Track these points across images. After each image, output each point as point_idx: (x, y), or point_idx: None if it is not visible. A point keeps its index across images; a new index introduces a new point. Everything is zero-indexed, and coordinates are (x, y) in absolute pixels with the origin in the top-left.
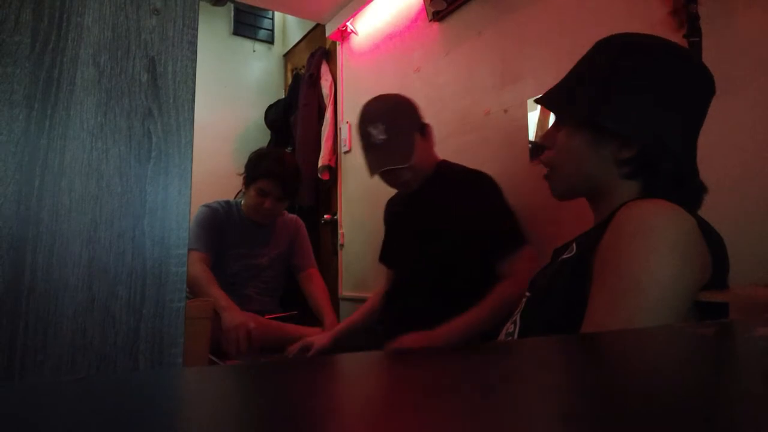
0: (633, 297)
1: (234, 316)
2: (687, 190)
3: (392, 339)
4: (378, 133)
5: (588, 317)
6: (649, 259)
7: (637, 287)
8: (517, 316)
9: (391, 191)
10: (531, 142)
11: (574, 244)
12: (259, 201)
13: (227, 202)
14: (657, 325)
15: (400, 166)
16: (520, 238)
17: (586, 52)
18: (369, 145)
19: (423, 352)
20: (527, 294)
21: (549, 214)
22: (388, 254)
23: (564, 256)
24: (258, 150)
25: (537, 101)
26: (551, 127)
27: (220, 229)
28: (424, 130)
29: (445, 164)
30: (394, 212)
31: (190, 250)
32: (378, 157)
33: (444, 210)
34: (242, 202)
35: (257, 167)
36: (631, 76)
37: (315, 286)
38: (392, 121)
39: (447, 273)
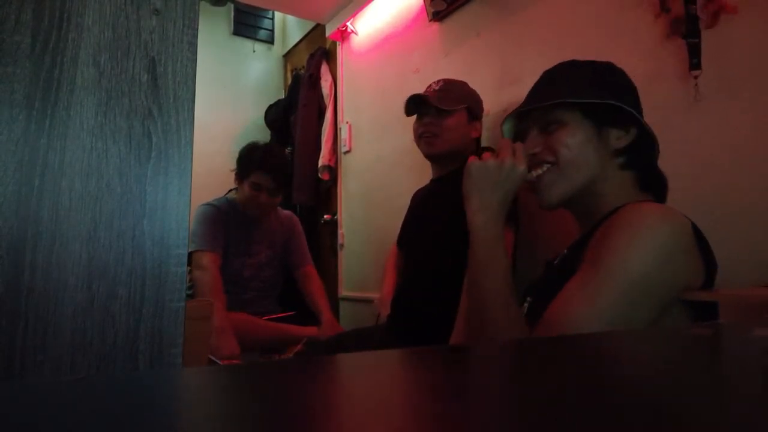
0: (603, 284)
1: (223, 347)
2: (659, 181)
3: (400, 323)
4: (435, 85)
5: (557, 298)
6: (626, 251)
7: (608, 276)
8: None
9: (389, 193)
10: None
11: (566, 251)
12: (254, 195)
13: (227, 200)
14: (658, 326)
15: (431, 104)
16: None
17: (540, 81)
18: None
19: (424, 352)
20: (528, 299)
21: (549, 216)
22: (403, 237)
23: (556, 262)
24: (248, 144)
25: (518, 114)
26: (535, 135)
27: (225, 226)
28: (473, 114)
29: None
30: (416, 199)
31: (203, 251)
32: (426, 95)
33: (453, 195)
34: (237, 198)
35: (249, 161)
36: (613, 78)
37: (312, 284)
38: (451, 86)
39: (444, 253)
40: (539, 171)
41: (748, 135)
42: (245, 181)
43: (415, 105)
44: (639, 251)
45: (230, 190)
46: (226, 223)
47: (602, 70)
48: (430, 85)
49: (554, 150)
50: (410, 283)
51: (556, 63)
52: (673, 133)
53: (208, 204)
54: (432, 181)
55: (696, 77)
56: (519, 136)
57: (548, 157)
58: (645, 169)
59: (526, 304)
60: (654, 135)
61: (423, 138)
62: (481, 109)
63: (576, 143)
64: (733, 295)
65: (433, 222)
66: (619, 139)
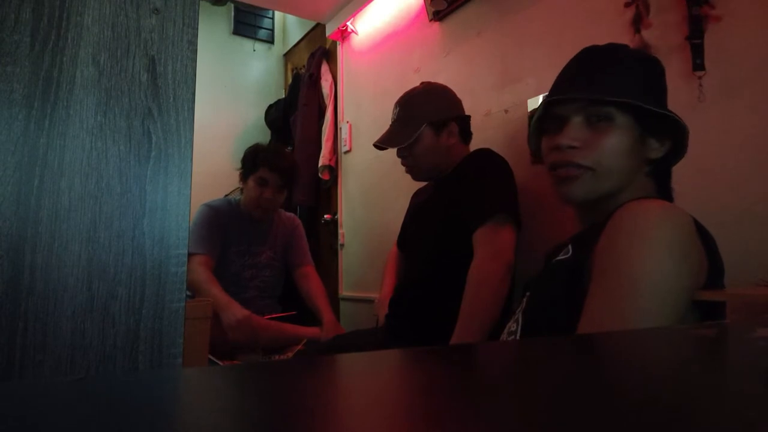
0: (631, 298)
1: (235, 311)
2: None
3: (399, 323)
4: (394, 115)
5: (585, 317)
6: (647, 260)
7: (635, 288)
8: (518, 315)
9: (389, 194)
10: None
11: (569, 245)
12: (259, 191)
13: (227, 200)
14: (659, 326)
15: (385, 147)
16: (489, 209)
17: (585, 62)
18: (391, 124)
19: (424, 352)
20: (527, 294)
21: (549, 215)
22: (402, 239)
23: (560, 257)
24: (254, 144)
25: (591, 97)
26: (578, 125)
27: (223, 228)
28: (440, 124)
29: (472, 154)
30: (416, 200)
31: (190, 254)
32: (383, 135)
33: (452, 194)
34: (241, 199)
35: (255, 158)
36: (662, 82)
37: (312, 284)
38: (406, 109)
39: (444, 253)
40: (571, 173)
41: (751, 135)
42: (251, 177)
43: (380, 148)
44: (655, 253)
45: (233, 191)
46: (223, 224)
47: (652, 69)
48: (393, 113)
49: (596, 152)
50: (409, 283)
51: (556, 62)
52: None
53: (205, 205)
54: (431, 184)
55: (700, 78)
56: (556, 120)
57: (585, 161)
58: (665, 176)
59: (524, 299)
60: (686, 149)
61: (406, 170)
62: (453, 107)
63: (621, 150)
64: (739, 295)
65: (433, 223)
66: (655, 149)
